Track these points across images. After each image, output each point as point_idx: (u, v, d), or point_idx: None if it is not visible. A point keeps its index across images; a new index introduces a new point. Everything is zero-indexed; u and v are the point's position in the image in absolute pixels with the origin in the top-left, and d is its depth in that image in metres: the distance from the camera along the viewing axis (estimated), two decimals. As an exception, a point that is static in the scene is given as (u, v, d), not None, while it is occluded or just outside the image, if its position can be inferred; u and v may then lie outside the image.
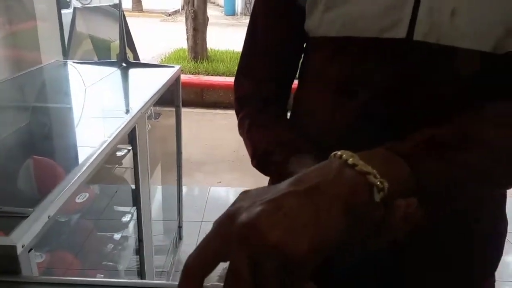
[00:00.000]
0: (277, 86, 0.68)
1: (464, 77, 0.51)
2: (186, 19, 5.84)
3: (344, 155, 0.37)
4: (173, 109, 1.93)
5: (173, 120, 1.97)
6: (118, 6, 1.88)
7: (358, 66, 0.55)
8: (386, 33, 0.51)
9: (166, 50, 6.87)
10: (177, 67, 1.81)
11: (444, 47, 0.50)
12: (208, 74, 5.48)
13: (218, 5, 19.80)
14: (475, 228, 0.59)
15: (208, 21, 5.94)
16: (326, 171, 0.36)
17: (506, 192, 0.61)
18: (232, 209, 0.35)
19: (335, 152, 0.38)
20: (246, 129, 0.67)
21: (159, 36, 9.66)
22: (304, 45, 0.65)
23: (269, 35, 0.66)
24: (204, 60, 5.93)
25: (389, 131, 0.50)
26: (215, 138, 3.96)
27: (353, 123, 0.56)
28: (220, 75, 5.44)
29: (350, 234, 0.34)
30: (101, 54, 2.61)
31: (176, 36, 8.57)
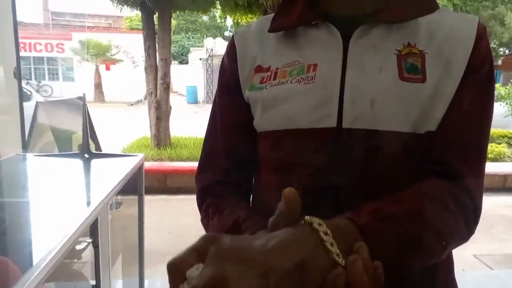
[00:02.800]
0: (237, 175, 0.72)
1: (392, 155, 0.58)
2: (149, 109, 6.00)
3: (319, 229, 0.41)
4: (135, 197, 1.91)
5: (135, 209, 1.94)
6: (81, 98, 1.93)
7: (295, 153, 0.62)
8: (319, 123, 0.59)
9: (128, 139, 6.92)
10: (140, 155, 1.84)
11: (370, 131, 0.58)
12: (171, 160, 5.51)
13: (180, 94, 20.59)
14: None
15: (171, 110, 6.13)
16: (304, 248, 0.39)
17: (452, 260, 0.66)
18: (214, 275, 0.35)
19: (310, 220, 0.42)
20: (210, 218, 0.69)
21: (122, 125, 9.75)
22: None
23: (228, 127, 0.72)
24: (168, 147, 5.99)
25: (329, 208, 0.56)
26: (180, 225, 3.86)
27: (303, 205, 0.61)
28: (184, 161, 5.48)
29: None
30: (62, 146, 2.60)
31: (138, 125, 8.69)
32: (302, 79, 0.61)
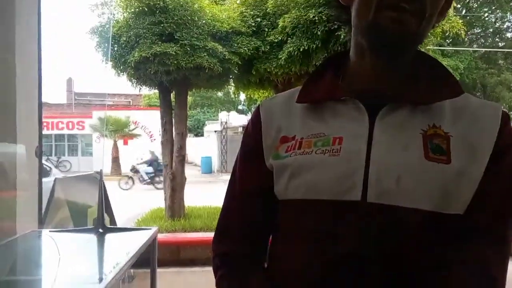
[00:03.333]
0: (252, 243, 0.74)
1: (415, 231, 0.59)
2: (165, 181, 6.09)
3: None
4: (148, 270, 1.88)
5: (147, 282, 1.90)
6: (99, 173, 2.00)
7: (320, 223, 0.63)
8: (344, 196, 0.61)
9: (143, 210, 6.93)
10: (154, 228, 1.84)
11: (394, 207, 0.59)
12: (185, 231, 5.45)
13: (195, 165, 20.85)
14: None
15: (185, 181, 6.21)
16: None
17: None
18: None
19: None
20: None
21: (136, 197, 9.80)
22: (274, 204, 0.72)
23: (246, 193, 0.74)
24: (182, 218, 5.97)
25: (351, 279, 0.58)
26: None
27: (320, 271, 0.62)
28: (197, 231, 5.42)
29: None
30: (77, 220, 2.63)
31: (153, 196, 8.75)
32: (327, 151, 0.63)
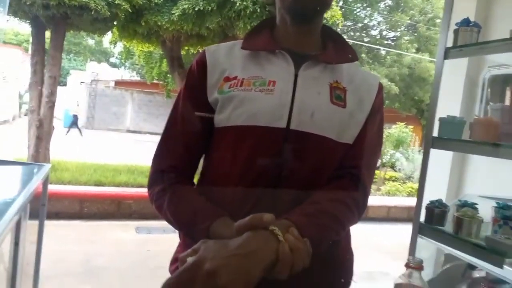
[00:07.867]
0: (190, 162, 0.89)
1: (320, 151, 0.84)
2: (29, 128, 5.50)
3: (272, 228, 0.66)
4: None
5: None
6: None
7: (257, 145, 0.82)
8: (274, 124, 0.82)
9: (-4, 159, 6.17)
10: (47, 165, 1.79)
11: (308, 133, 0.82)
12: (50, 183, 5.09)
13: (55, 117, 18.90)
14: (335, 257, 0.88)
15: (53, 130, 5.73)
16: (259, 240, 0.64)
17: (350, 233, 0.92)
18: (198, 259, 0.60)
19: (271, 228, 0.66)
20: (167, 203, 0.83)
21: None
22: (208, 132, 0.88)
23: (186, 125, 0.88)
24: (47, 170, 5.52)
25: (278, 187, 0.81)
26: (57, 251, 3.57)
27: (253, 185, 0.82)
28: (65, 184, 5.11)
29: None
30: None
31: (8, 146, 7.79)
32: (263, 90, 0.83)
